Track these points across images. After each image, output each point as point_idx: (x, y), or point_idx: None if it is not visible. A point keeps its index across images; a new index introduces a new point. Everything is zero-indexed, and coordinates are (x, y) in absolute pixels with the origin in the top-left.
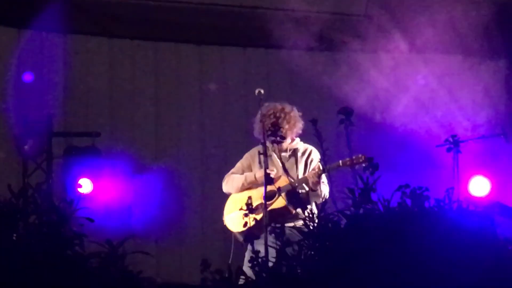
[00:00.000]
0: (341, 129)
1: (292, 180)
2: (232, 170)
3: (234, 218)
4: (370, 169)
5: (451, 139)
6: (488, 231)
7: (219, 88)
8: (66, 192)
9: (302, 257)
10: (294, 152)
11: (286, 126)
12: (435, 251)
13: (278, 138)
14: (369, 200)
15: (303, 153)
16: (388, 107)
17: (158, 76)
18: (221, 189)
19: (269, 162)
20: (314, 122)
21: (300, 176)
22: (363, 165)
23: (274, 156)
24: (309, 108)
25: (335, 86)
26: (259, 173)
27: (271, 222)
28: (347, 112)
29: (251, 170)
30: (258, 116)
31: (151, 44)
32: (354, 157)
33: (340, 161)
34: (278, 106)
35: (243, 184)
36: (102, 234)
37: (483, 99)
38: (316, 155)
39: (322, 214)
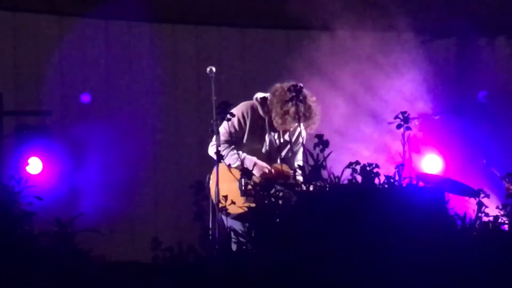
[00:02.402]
0: None
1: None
2: (226, 138)
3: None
4: (320, 146)
5: (401, 116)
6: (438, 207)
7: (171, 66)
8: (16, 171)
9: (253, 234)
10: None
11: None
12: (385, 227)
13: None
14: (319, 177)
15: (297, 138)
16: (338, 86)
17: (110, 54)
18: (172, 170)
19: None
20: (264, 100)
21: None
22: None
23: (269, 135)
24: (262, 86)
25: (288, 65)
26: (257, 171)
27: None
28: (296, 89)
29: (241, 135)
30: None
31: (103, 22)
32: None
33: None
34: (308, 101)
35: (237, 166)
36: (53, 214)
37: (434, 77)
38: (304, 140)
39: (273, 191)
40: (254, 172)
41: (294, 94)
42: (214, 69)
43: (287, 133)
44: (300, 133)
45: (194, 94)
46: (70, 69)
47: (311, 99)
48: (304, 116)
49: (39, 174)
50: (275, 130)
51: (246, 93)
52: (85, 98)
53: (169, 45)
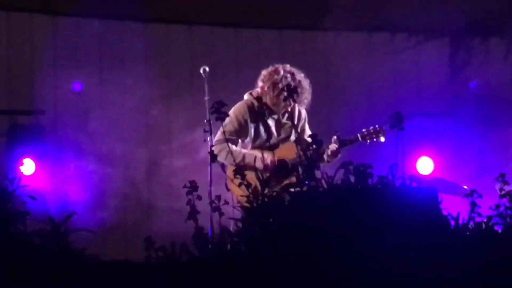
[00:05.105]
0: None
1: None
2: (226, 137)
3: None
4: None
5: (395, 116)
6: (431, 206)
7: (164, 65)
8: (9, 171)
9: (246, 234)
10: (291, 116)
11: (298, 99)
12: (378, 227)
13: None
14: (312, 177)
15: (299, 117)
16: (331, 83)
17: (103, 53)
18: (165, 166)
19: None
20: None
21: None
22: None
23: (271, 121)
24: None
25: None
26: (259, 163)
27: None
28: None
29: (246, 133)
30: (271, 77)
31: (96, 22)
32: (371, 129)
33: (359, 135)
34: (297, 76)
35: (239, 163)
36: (46, 214)
37: (428, 77)
38: (306, 117)
39: (266, 191)
40: (256, 165)
41: (282, 73)
42: (207, 68)
43: (286, 116)
44: (300, 112)
45: (188, 93)
46: (64, 69)
47: (299, 75)
48: (296, 91)
49: (32, 175)
50: (275, 115)
51: (239, 92)
52: (77, 86)
53: (162, 44)
